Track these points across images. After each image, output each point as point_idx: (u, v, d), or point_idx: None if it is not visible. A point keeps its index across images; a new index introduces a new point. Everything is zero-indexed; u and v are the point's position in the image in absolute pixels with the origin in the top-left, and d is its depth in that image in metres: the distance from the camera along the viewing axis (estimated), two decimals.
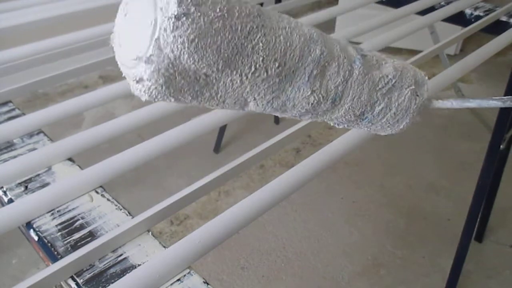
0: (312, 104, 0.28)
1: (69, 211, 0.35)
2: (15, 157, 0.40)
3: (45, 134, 0.44)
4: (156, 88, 0.23)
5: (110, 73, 2.14)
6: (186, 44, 0.22)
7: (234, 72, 0.24)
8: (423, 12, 0.75)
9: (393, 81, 0.30)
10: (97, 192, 0.37)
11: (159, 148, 0.40)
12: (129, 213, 0.35)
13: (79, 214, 0.35)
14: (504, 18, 0.75)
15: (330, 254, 1.27)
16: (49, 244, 0.32)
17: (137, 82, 0.23)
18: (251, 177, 1.55)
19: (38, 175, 0.39)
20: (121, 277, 0.29)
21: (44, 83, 0.52)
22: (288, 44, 0.25)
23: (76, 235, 0.33)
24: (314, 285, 1.19)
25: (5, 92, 0.49)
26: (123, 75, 0.25)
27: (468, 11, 0.80)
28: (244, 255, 1.27)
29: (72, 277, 0.30)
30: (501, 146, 0.95)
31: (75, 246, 0.32)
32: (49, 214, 0.35)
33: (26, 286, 0.28)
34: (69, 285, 0.30)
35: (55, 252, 0.32)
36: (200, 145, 1.68)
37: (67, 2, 0.72)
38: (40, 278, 0.28)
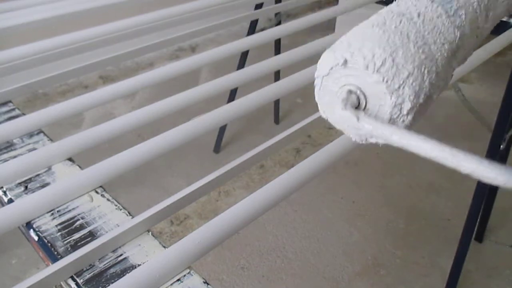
0: None
1: (69, 211, 0.35)
2: (15, 157, 0.40)
3: (45, 134, 0.44)
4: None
5: (110, 73, 2.14)
6: None
7: None
8: None
9: None
10: (97, 192, 0.37)
11: (159, 148, 0.40)
12: (129, 213, 0.35)
13: (79, 214, 0.35)
14: (504, 18, 0.75)
15: (330, 254, 1.27)
16: (49, 244, 0.32)
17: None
18: (251, 177, 1.55)
19: (38, 175, 0.39)
20: (121, 277, 0.29)
21: (44, 83, 0.52)
22: None
23: (76, 235, 0.33)
24: (314, 285, 1.19)
25: (5, 92, 0.49)
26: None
27: None
28: (244, 255, 1.27)
29: (72, 277, 0.30)
30: (501, 146, 0.95)
31: (75, 246, 0.32)
32: (49, 214, 0.35)
33: (26, 286, 0.28)
34: (69, 285, 0.30)
35: (55, 252, 0.32)
36: (200, 145, 1.68)
37: (67, 2, 0.72)
38: (40, 278, 0.28)
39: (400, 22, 0.24)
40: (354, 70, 0.22)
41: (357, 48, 0.22)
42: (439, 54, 0.24)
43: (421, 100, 0.23)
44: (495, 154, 0.97)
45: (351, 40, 0.23)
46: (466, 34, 0.27)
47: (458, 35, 0.26)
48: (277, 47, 1.60)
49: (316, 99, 0.26)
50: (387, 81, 0.22)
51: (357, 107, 0.23)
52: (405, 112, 0.23)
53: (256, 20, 1.43)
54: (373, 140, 0.25)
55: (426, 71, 0.23)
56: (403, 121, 0.23)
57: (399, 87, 0.22)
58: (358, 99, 0.23)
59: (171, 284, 0.29)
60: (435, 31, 0.24)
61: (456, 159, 0.19)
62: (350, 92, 0.23)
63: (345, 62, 0.23)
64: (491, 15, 0.30)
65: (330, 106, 0.25)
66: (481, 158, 0.18)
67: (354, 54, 0.22)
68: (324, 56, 0.24)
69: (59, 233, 0.33)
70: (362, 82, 0.23)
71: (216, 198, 1.46)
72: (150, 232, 0.33)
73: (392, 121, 0.23)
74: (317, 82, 0.25)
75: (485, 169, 0.18)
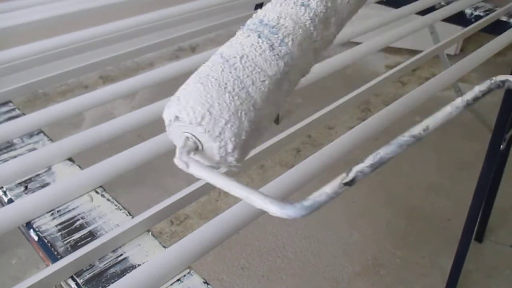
0: None
1: (69, 211, 0.35)
2: (15, 157, 0.40)
3: (45, 134, 0.44)
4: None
5: (110, 73, 2.14)
6: None
7: None
8: (423, 12, 0.75)
9: None
10: (97, 192, 0.37)
11: (159, 148, 0.40)
12: (129, 213, 0.35)
13: (79, 214, 0.35)
14: (504, 18, 0.75)
15: (330, 254, 1.27)
16: (49, 244, 0.32)
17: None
18: (251, 177, 1.55)
19: (38, 175, 0.39)
20: (121, 277, 0.29)
21: (44, 83, 0.52)
22: None
23: (76, 235, 0.33)
24: (314, 285, 1.19)
25: (5, 92, 0.49)
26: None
27: (468, 11, 0.80)
28: (244, 255, 1.27)
29: (72, 277, 0.30)
30: (501, 146, 0.95)
31: (75, 246, 0.32)
32: (49, 214, 0.35)
33: (26, 286, 0.28)
34: (69, 285, 0.30)
35: (55, 252, 0.32)
36: None
37: (67, 2, 0.72)
38: (40, 278, 0.28)
39: (222, 71, 0.28)
40: (185, 123, 0.27)
41: (183, 106, 0.27)
42: (258, 93, 0.28)
43: (243, 137, 0.27)
44: (495, 154, 0.97)
45: (181, 98, 0.27)
46: (295, 57, 0.30)
47: (282, 65, 0.29)
48: None
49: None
50: (208, 131, 0.26)
51: (197, 148, 0.28)
52: (230, 150, 0.27)
53: None
54: None
55: (243, 114, 0.27)
56: (232, 156, 0.27)
57: (219, 134, 0.26)
58: (196, 143, 0.27)
59: (171, 284, 0.29)
60: (255, 72, 0.28)
61: (250, 197, 0.23)
62: (187, 138, 0.27)
63: (177, 118, 0.27)
64: (334, 21, 0.32)
65: None
66: (266, 196, 0.22)
67: (181, 111, 0.27)
68: (164, 111, 0.28)
69: (59, 233, 0.33)
70: (194, 131, 0.27)
71: (216, 198, 1.46)
72: (150, 232, 0.33)
73: (222, 159, 0.27)
74: (166, 129, 0.29)
75: (267, 204, 0.22)
